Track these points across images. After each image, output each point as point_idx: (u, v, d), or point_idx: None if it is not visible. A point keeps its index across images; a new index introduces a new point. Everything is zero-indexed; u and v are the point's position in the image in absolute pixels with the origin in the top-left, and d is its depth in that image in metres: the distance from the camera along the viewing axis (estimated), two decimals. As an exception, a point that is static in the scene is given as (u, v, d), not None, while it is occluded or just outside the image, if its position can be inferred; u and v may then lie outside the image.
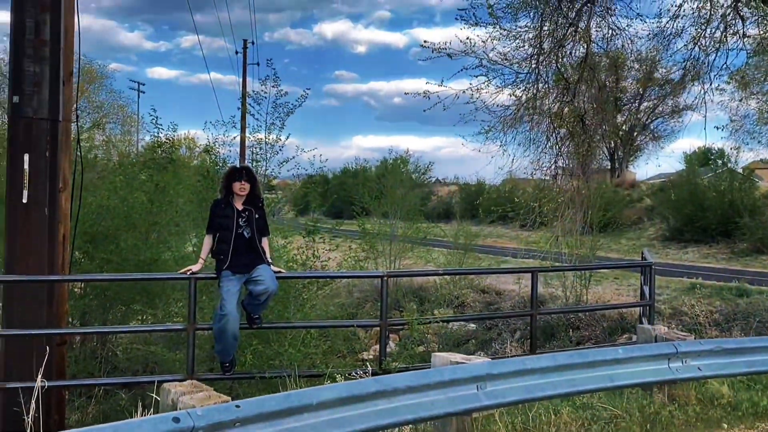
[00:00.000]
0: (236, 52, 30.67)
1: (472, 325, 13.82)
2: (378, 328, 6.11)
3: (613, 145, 54.38)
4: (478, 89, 9.09)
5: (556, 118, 9.74)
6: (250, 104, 9.03)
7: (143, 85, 42.63)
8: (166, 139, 9.43)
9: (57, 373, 6.28)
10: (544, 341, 12.84)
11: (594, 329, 12.37)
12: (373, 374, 5.67)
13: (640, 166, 57.91)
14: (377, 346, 6.89)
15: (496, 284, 15.89)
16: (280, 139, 8.83)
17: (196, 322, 5.72)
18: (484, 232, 17.35)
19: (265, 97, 8.97)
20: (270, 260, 5.80)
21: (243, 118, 27.12)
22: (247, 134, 9.53)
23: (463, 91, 9.00)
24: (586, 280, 13.07)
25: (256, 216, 5.75)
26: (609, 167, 54.55)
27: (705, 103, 9.75)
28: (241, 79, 29.48)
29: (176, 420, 3.21)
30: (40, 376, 4.96)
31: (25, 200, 6.00)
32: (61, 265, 6.38)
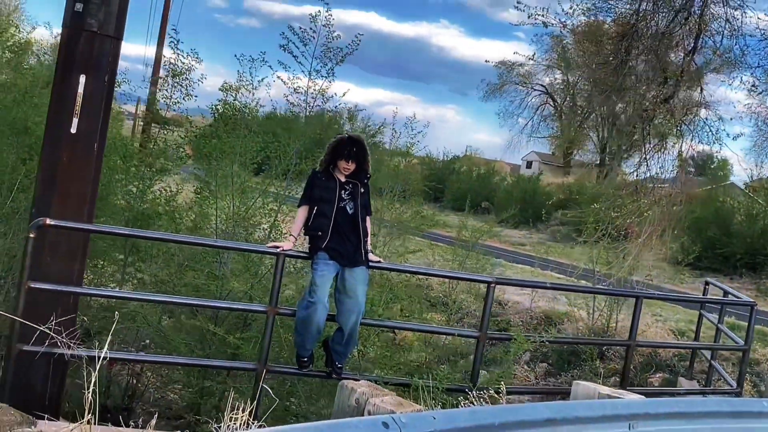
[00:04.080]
0: None
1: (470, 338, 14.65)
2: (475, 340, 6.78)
3: (605, 134, 57.01)
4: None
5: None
6: (293, 44, 9.45)
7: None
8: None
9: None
10: (562, 368, 13.87)
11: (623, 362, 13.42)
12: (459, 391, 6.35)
13: (629, 167, 60.36)
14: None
15: (498, 293, 16.80)
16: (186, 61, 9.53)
17: (279, 305, 6.21)
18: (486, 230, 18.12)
19: (313, 37, 9.41)
20: (369, 246, 6.34)
21: (163, 29, 26.75)
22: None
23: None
24: (618, 304, 14.09)
25: (361, 191, 6.26)
26: (597, 162, 57.24)
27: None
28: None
29: (385, 425, 3.79)
30: (106, 346, 5.30)
31: (74, 130, 6.28)
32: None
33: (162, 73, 10.84)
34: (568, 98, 61.32)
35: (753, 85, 10.01)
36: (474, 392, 5.85)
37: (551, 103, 62.86)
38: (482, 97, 61.86)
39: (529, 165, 67.49)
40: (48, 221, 5.71)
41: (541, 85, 62.16)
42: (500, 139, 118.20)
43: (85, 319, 8.74)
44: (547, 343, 6.81)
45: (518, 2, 9.94)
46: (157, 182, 10.16)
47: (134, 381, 9.58)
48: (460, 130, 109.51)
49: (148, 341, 9.47)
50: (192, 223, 10.00)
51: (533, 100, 62.57)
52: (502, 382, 5.61)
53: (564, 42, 54.48)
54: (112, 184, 9.83)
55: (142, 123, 14.23)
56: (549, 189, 39.50)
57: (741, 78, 10.67)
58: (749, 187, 39.70)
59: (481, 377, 6.90)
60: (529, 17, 9.46)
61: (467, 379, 6.84)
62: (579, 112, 59.64)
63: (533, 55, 57.53)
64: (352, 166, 6.19)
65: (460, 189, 38.01)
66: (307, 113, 9.92)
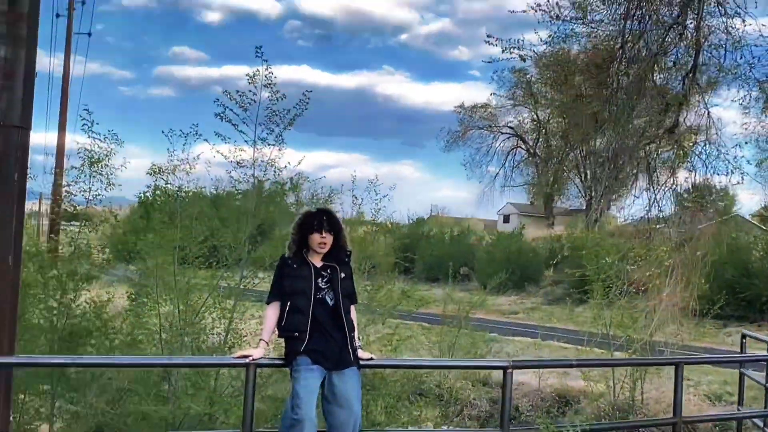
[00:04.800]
0: (57, 15, 29.73)
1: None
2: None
3: (588, 175, 57.73)
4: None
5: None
6: (231, 110, 9.33)
7: None
8: None
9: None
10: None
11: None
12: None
13: (618, 208, 61.21)
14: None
15: (498, 374, 16.59)
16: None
17: (255, 425, 5.91)
18: (477, 302, 18.02)
19: (254, 100, 9.31)
20: (358, 341, 6.10)
21: (63, 112, 26.55)
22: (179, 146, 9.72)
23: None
24: (640, 372, 13.95)
25: (342, 275, 6.04)
26: (584, 206, 57.83)
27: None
28: (55, 56, 28.82)
29: None
30: None
31: (-17, 249, 6.01)
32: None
33: (70, 162, 10.57)
34: (540, 139, 62.29)
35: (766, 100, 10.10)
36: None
37: (522, 146, 63.75)
38: (444, 147, 62.51)
39: (506, 219, 67.92)
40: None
41: (509, 127, 63.16)
42: (469, 193, 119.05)
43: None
44: (580, 432, 6.58)
45: (488, 37, 9.99)
46: (83, 292, 9.84)
47: None
48: (421, 188, 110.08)
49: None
50: (129, 337, 9.67)
51: (502, 144, 63.51)
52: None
53: (528, 76, 55.77)
54: (27, 300, 9.48)
55: (47, 221, 13.88)
56: (535, 245, 39.62)
57: (750, 94, 10.76)
58: (755, 217, 40.41)
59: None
60: (503, 51, 9.47)
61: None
62: (555, 153, 60.69)
63: (492, 94, 59.09)
64: (328, 239, 5.98)
65: (433, 256, 37.92)
66: (253, 187, 9.72)
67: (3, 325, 6.13)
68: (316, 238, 5.97)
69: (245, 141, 9.57)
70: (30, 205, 15.30)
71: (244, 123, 9.48)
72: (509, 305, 32.00)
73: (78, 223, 11.35)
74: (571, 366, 11.48)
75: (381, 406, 7.32)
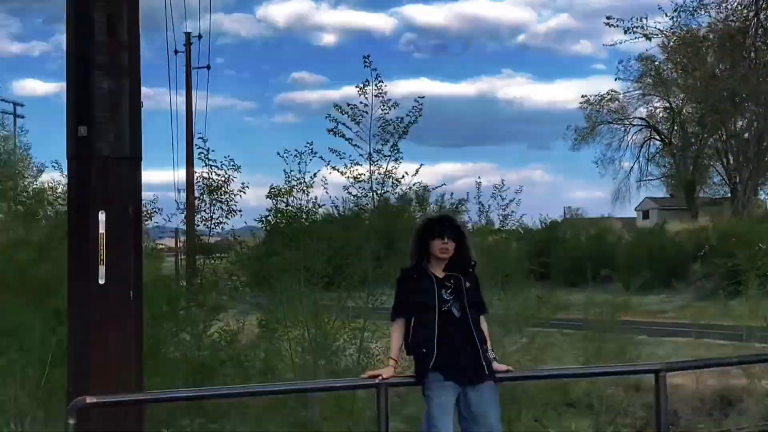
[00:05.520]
0: (175, 52, 30.37)
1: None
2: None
3: (731, 160, 55.28)
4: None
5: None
6: (343, 124, 9.21)
7: (21, 106, 41.64)
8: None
9: None
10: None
11: None
12: None
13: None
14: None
15: (649, 378, 15.87)
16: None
17: (389, 452, 5.66)
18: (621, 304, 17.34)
19: (366, 112, 9.15)
20: (492, 353, 5.79)
21: (189, 144, 27.00)
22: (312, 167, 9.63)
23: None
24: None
25: (467, 285, 5.73)
26: (729, 194, 55.36)
27: None
28: (179, 93, 29.33)
29: None
30: None
31: (102, 281, 5.98)
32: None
33: (196, 192, 10.68)
34: (675, 127, 60.15)
35: None
36: None
37: (656, 136, 61.67)
38: (571, 146, 61.03)
39: (645, 215, 65.82)
40: (88, 399, 5.32)
41: (641, 118, 61.12)
42: (602, 192, 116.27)
43: None
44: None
45: (608, 18, 9.51)
46: (213, 323, 9.88)
47: None
48: (553, 191, 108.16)
49: None
50: (262, 364, 9.64)
51: (634, 137, 61.54)
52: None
53: (656, 63, 54.00)
54: (162, 335, 9.58)
55: (183, 257, 14.14)
56: (679, 239, 38.22)
57: None
58: None
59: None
60: (626, 32, 8.98)
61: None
62: (692, 140, 58.52)
63: (616, 79, 57.31)
64: (450, 246, 5.67)
65: (570, 259, 37.04)
66: (375, 204, 9.54)
67: (129, 361, 6.08)
68: (437, 243, 5.68)
69: (360, 155, 9.39)
70: (167, 242, 15.70)
71: (358, 136, 9.33)
72: (657, 305, 30.92)
73: (213, 255, 11.47)
74: (731, 364, 10.76)
75: (523, 421, 6.95)
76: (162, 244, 15.77)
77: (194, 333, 9.58)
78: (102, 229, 5.98)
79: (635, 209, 68.06)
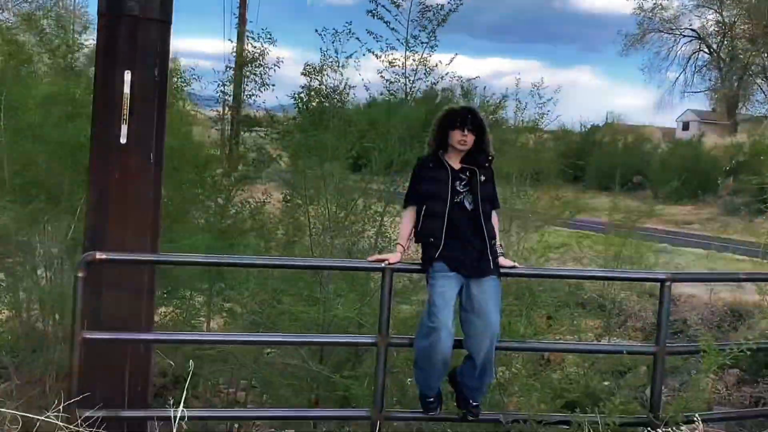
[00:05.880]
0: None
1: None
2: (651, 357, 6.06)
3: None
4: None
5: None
6: (383, 6, 8.96)
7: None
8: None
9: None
10: (757, 373, 12.79)
11: None
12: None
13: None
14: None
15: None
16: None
17: (390, 334, 5.70)
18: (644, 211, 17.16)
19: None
20: (500, 248, 5.73)
21: (242, 23, 26.94)
22: (366, 52, 9.44)
23: None
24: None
25: (482, 178, 5.64)
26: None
27: None
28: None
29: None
30: (181, 405, 4.93)
31: (123, 140, 5.96)
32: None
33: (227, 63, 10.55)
34: (725, 42, 58.50)
35: None
36: (661, 429, 5.15)
37: (705, 50, 60.09)
38: (620, 51, 59.73)
39: (685, 126, 64.68)
40: (98, 255, 5.38)
41: (692, 30, 59.48)
42: (647, 100, 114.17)
43: (172, 364, 8.58)
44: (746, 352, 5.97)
45: None
46: (240, 193, 9.89)
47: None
48: (597, 95, 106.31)
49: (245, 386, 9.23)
50: (284, 238, 9.68)
51: (683, 48, 60.03)
52: (696, 414, 4.87)
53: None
54: (188, 200, 9.64)
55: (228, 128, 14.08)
56: (715, 152, 37.61)
57: None
58: None
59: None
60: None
61: (646, 407, 6.11)
62: (740, 56, 56.96)
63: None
64: (469, 139, 5.58)
65: (605, 164, 36.61)
66: (408, 92, 9.33)
67: (145, 224, 6.13)
68: (456, 135, 5.59)
69: (397, 40, 9.15)
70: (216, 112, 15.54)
71: (396, 20, 9.07)
72: (684, 215, 30.69)
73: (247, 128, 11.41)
74: (738, 280, 10.67)
75: (532, 319, 6.97)
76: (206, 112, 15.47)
77: (219, 202, 9.61)
78: (126, 90, 5.95)
79: (676, 120, 66.98)
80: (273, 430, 8.52)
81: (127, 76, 5.95)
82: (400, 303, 8.48)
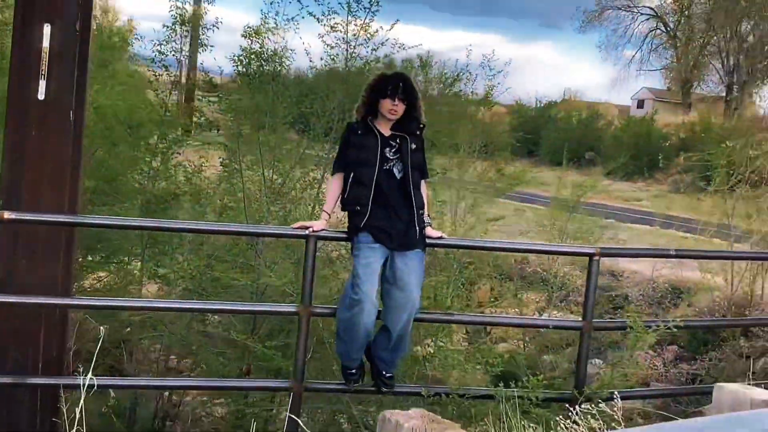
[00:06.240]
0: None
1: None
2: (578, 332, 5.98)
3: (730, 61, 54.35)
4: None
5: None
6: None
7: None
8: None
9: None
10: (696, 350, 12.89)
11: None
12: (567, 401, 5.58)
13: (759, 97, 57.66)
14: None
15: (611, 263, 15.92)
16: None
17: (313, 304, 5.54)
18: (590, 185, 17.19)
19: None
20: (428, 218, 5.58)
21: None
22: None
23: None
24: (762, 268, 13.00)
25: (412, 146, 5.48)
26: (723, 94, 54.60)
27: None
28: None
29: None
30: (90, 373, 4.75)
31: (41, 96, 5.72)
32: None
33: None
34: (682, 21, 58.78)
35: None
36: (580, 405, 5.06)
37: (662, 28, 60.31)
38: (578, 27, 59.82)
39: (640, 104, 65.02)
40: (6, 215, 5.14)
41: (649, 8, 59.65)
42: (604, 77, 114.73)
43: (102, 329, 8.36)
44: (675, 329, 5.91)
45: None
46: (176, 156, 9.64)
47: (166, 399, 9.16)
48: (556, 71, 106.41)
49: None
50: (220, 204, 9.46)
51: (640, 26, 60.20)
52: (615, 392, 4.78)
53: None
54: (121, 162, 9.37)
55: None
56: (667, 131, 37.91)
57: None
58: None
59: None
60: None
61: (571, 383, 6.04)
62: (697, 36, 57.26)
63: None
64: (400, 108, 5.40)
65: (559, 139, 36.71)
66: (348, 58, 9.10)
67: (63, 183, 5.88)
68: (387, 104, 5.40)
69: (339, 3, 8.91)
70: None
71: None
72: (633, 192, 30.94)
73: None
74: (668, 256, 10.54)
75: (450, 290, 6.85)
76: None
77: (151, 165, 9.36)
78: (45, 44, 5.69)
79: (631, 98, 67.32)
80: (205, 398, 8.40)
81: (47, 29, 5.69)
82: (346, 270, 8.31)
